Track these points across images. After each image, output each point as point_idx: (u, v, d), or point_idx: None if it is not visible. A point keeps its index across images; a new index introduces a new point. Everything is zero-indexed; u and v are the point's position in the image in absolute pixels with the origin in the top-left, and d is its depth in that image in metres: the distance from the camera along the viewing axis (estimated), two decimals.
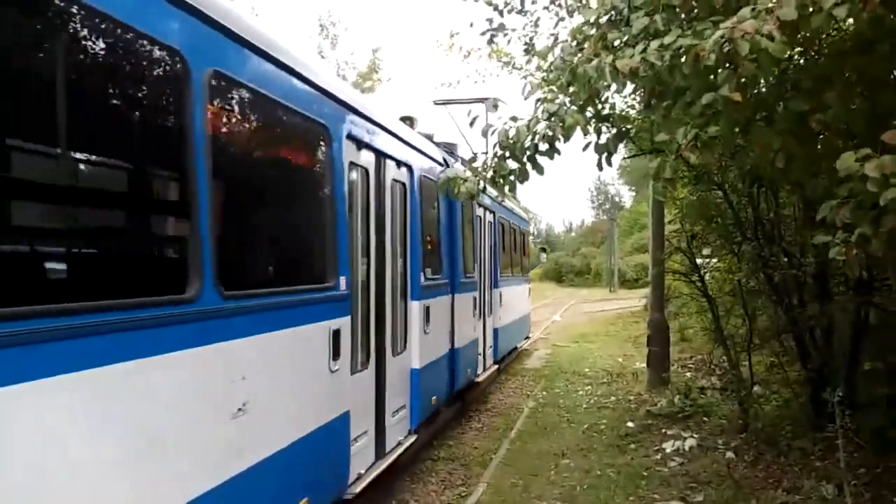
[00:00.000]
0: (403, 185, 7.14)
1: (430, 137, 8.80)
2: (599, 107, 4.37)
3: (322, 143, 4.95)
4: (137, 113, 3.31)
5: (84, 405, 2.68)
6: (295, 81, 4.48)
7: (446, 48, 12.11)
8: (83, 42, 2.83)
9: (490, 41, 6.29)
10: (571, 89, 4.11)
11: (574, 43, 4.26)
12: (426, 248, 7.75)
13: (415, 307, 7.34)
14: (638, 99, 8.10)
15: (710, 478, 7.11)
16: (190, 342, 3.28)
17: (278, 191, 4.56)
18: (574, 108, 4.00)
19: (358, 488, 5.51)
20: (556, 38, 4.72)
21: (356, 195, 5.77)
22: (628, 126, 4.41)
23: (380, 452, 6.35)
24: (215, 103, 3.61)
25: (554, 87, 4.22)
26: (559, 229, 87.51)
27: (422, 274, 7.48)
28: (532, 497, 6.92)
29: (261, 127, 4.30)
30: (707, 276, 10.00)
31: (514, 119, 4.22)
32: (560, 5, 6.47)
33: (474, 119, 4.32)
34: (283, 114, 4.41)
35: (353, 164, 5.61)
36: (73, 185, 2.90)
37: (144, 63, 3.21)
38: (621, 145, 4.96)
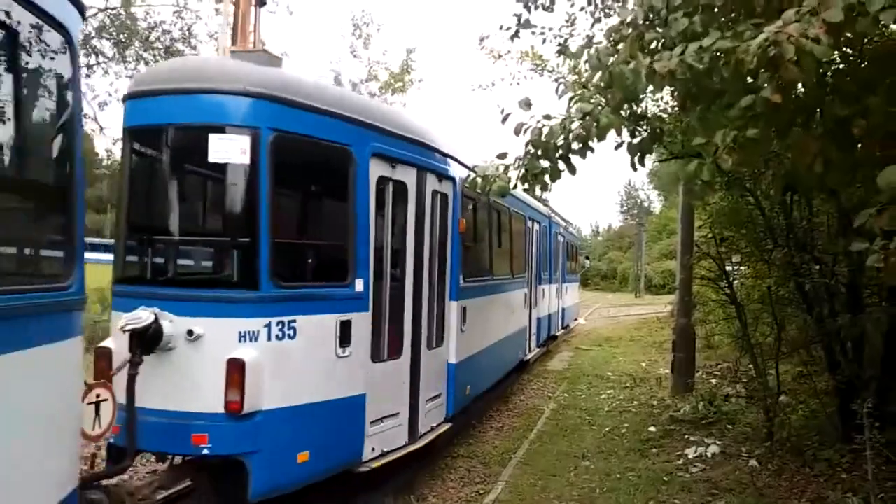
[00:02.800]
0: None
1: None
2: (634, 107, 4.34)
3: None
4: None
5: None
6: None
7: (487, 53, 12.06)
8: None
9: (514, 36, 6.25)
10: (606, 89, 4.09)
11: (610, 44, 4.24)
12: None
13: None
14: (670, 101, 8.04)
15: (731, 485, 7.04)
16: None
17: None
18: (608, 108, 3.98)
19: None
20: (591, 39, 4.68)
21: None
22: (663, 127, 4.36)
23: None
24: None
25: (590, 86, 4.20)
26: (586, 232, 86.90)
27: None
28: (551, 497, 6.91)
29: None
30: (735, 283, 9.89)
31: (547, 118, 4.20)
32: (596, 5, 6.42)
33: (507, 116, 4.30)
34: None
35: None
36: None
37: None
38: (654, 147, 4.92)
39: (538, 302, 15.11)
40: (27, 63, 3.14)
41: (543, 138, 4.20)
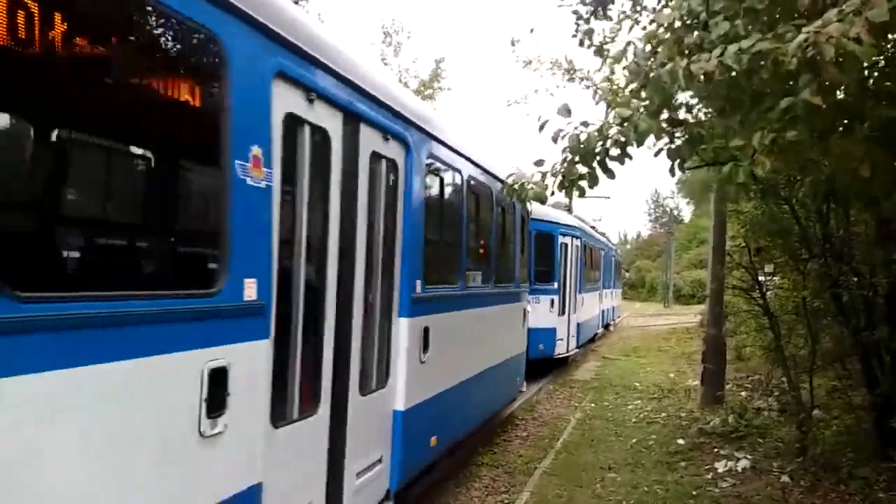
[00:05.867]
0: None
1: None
2: (673, 113, 4.25)
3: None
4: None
5: None
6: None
7: (517, 59, 12.09)
8: None
9: (581, 44, 6.36)
10: (644, 94, 4.01)
11: (648, 47, 4.16)
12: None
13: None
14: (703, 107, 7.90)
15: (763, 501, 6.87)
16: None
17: None
18: (646, 113, 3.90)
19: None
20: (630, 44, 4.62)
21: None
22: (702, 131, 4.26)
23: None
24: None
25: (625, 92, 4.13)
26: (614, 241, 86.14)
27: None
28: None
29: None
30: (768, 294, 9.68)
31: (585, 124, 4.14)
32: (638, 10, 6.41)
33: (544, 124, 4.25)
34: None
35: None
36: None
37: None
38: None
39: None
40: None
41: (581, 145, 4.13)
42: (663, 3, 5.78)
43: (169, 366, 2.91)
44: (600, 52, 6.89)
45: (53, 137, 2.70)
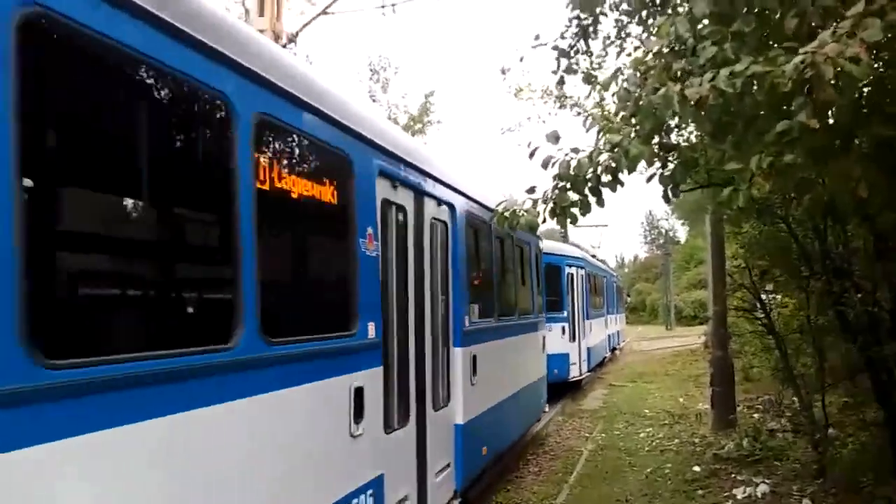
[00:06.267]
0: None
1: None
2: (664, 138, 4.23)
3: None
4: None
5: None
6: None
7: (508, 87, 12.21)
8: None
9: (560, 83, 6.42)
10: (634, 120, 4.00)
11: (637, 74, 4.16)
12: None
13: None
14: (694, 133, 7.93)
15: None
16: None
17: None
18: (638, 138, 3.88)
19: None
20: (619, 70, 4.62)
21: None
22: (695, 155, 4.25)
23: None
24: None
25: (615, 119, 4.11)
26: (612, 265, 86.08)
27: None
28: None
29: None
30: (772, 313, 9.60)
31: (575, 150, 4.12)
32: (623, 37, 6.46)
33: (534, 150, 4.22)
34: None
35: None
36: None
37: None
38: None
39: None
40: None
41: (572, 171, 4.10)
42: (651, 30, 5.83)
43: (334, 386, 4.23)
44: (588, 79, 6.92)
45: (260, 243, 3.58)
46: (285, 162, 3.89)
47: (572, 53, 6.45)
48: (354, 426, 4.40)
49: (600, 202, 4.25)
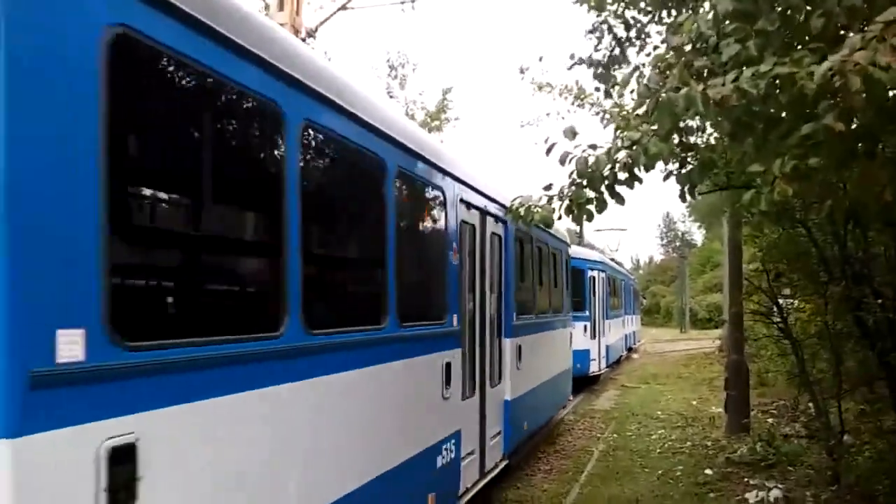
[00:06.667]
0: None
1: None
2: (683, 137, 4.18)
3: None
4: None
5: None
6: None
7: (529, 82, 12.16)
8: None
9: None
10: (652, 118, 3.95)
11: (657, 71, 4.11)
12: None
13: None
14: (713, 133, 7.86)
15: None
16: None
17: None
18: (657, 136, 3.83)
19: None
20: (637, 68, 4.57)
21: None
22: (713, 156, 4.19)
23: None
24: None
25: (638, 113, 4.06)
26: (627, 267, 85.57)
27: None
28: None
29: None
30: (789, 318, 9.50)
31: (593, 147, 4.07)
32: (642, 37, 6.41)
33: (552, 146, 4.17)
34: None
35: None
36: None
37: None
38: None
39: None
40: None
41: (589, 168, 4.05)
42: (673, 28, 5.79)
43: (435, 360, 5.83)
44: (609, 93, 6.90)
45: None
46: (410, 204, 5.66)
47: (608, 64, 6.45)
48: (445, 390, 5.97)
49: (620, 200, 4.20)
